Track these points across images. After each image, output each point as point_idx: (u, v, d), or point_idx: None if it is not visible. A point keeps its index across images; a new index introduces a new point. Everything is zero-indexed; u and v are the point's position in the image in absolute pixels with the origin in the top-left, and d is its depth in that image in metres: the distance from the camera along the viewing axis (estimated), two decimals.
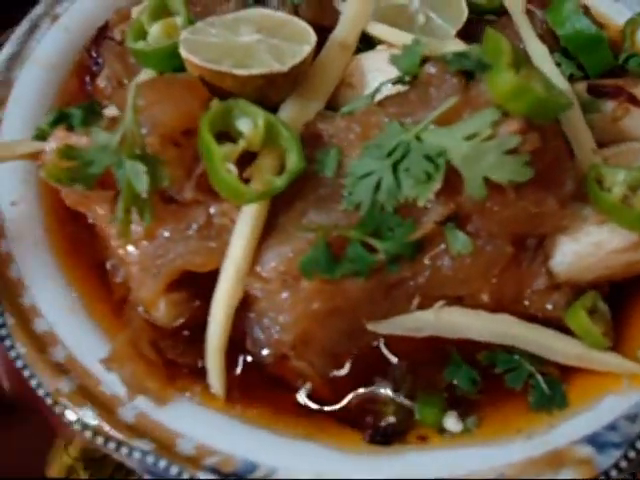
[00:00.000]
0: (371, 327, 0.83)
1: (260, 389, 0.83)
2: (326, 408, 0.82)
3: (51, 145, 0.83)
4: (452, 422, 0.81)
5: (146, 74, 1.09)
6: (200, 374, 0.83)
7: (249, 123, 0.83)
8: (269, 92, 0.93)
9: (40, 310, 0.87)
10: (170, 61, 1.04)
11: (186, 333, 0.86)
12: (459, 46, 0.85)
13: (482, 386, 0.84)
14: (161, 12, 1.12)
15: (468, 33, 1.08)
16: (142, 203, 0.78)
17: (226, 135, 0.84)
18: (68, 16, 1.24)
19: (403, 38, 1.01)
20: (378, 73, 1.02)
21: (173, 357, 0.82)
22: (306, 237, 0.80)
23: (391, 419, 0.79)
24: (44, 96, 1.15)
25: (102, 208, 0.85)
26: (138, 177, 0.75)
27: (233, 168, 0.77)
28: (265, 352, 0.81)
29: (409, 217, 0.80)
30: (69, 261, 0.92)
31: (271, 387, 0.83)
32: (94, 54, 1.21)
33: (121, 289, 0.92)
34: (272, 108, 0.93)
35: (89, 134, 0.82)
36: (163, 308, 0.85)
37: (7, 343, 0.83)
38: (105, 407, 0.78)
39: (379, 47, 1.05)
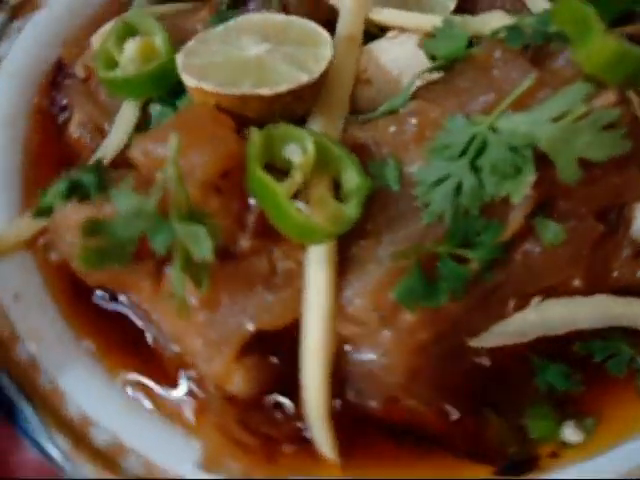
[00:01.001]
0: (474, 343, 0.76)
1: (369, 440, 0.74)
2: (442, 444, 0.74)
3: (67, 222, 0.68)
4: (571, 432, 0.74)
5: (129, 107, 0.95)
6: (301, 441, 0.73)
7: (298, 149, 0.72)
8: (295, 107, 0.82)
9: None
10: (157, 86, 0.91)
11: (271, 398, 0.76)
12: (503, 20, 0.78)
13: (582, 380, 0.78)
14: (128, 36, 0.98)
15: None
16: (199, 269, 0.66)
17: (268, 167, 0.73)
18: (10, 59, 1.07)
19: (419, 20, 0.94)
20: (397, 63, 0.93)
21: (268, 432, 0.72)
22: (387, 265, 0.71)
23: (513, 446, 0.72)
24: (7, 161, 0.99)
25: (142, 284, 0.71)
26: (198, 241, 0.62)
27: (302, 205, 0.67)
28: (372, 402, 0.72)
29: (494, 217, 0.73)
30: (107, 359, 0.78)
31: (378, 436, 0.74)
32: (56, 99, 1.04)
33: (173, 364, 0.80)
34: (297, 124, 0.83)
35: (109, 201, 0.69)
36: (240, 379, 0.74)
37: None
38: None
39: (389, 34, 0.96)
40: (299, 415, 0.74)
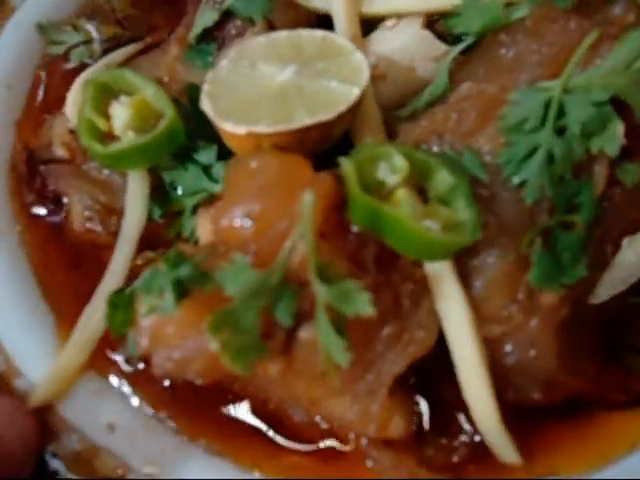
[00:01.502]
0: (595, 300, 0.77)
1: (536, 432, 0.73)
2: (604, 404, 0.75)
3: (174, 330, 0.58)
4: None
5: (137, 178, 0.84)
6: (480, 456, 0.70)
7: (388, 167, 0.67)
8: (349, 124, 0.77)
9: None
10: (167, 148, 0.81)
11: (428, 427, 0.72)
12: None
13: None
14: (105, 99, 0.86)
15: None
16: (343, 331, 0.60)
17: None
18: None
19: (416, 3, 0.90)
20: (405, 51, 0.90)
21: (447, 460, 0.68)
22: (509, 256, 0.69)
23: None
24: (18, 278, 0.83)
25: (271, 366, 0.63)
26: (352, 298, 0.56)
27: (431, 223, 0.62)
28: (534, 393, 0.70)
29: (582, 176, 0.73)
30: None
31: (542, 425, 0.73)
32: (44, 192, 0.88)
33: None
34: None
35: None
36: (399, 420, 0.68)
37: None
38: None
39: (387, 23, 0.92)
40: (460, 431, 0.72)
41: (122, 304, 0.66)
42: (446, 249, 0.63)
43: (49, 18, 1.05)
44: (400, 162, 0.66)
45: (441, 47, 0.88)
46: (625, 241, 0.81)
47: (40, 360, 0.74)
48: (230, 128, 0.70)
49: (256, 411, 0.73)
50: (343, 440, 0.72)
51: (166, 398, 0.72)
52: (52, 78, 1.02)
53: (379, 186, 0.66)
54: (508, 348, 0.69)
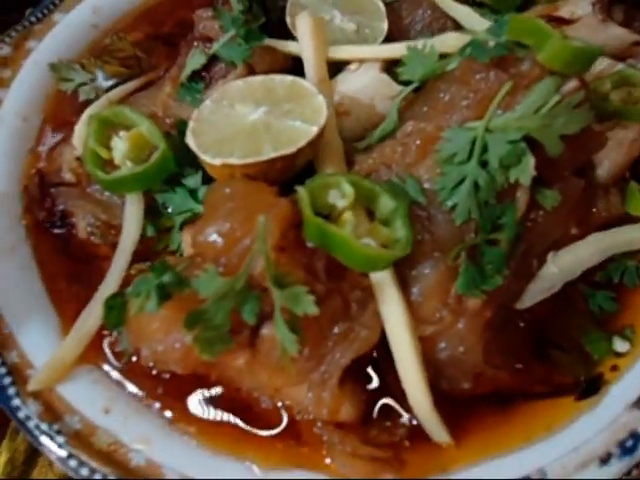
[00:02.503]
0: (520, 306, 0.90)
1: (466, 417, 0.85)
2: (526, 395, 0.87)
3: (157, 326, 0.72)
4: (619, 344, 0.90)
5: (134, 200, 0.98)
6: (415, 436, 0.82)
7: (337, 193, 0.80)
8: (309, 156, 0.91)
9: None
10: (159, 175, 0.96)
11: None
12: (458, 39, 0.91)
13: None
14: (107, 131, 1.00)
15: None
16: (295, 324, 0.73)
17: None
18: None
19: (376, 51, 1.05)
20: (367, 91, 1.05)
21: (389, 439, 0.80)
22: (441, 268, 0.82)
23: (582, 373, 0.87)
24: (29, 283, 0.97)
25: (238, 357, 0.76)
26: (299, 299, 0.69)
27: (369, 240, 0.76)
28: (464, 383, 0.83)
29: (506, 200, 0.86)
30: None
31: (472, 411, 0.85)
32: (53, 211, 1.02)
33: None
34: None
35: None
36: (348, 406, 0.81)
37: None
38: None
39: (351, 67, 1.07)
40: (401, 416, 0.84)
41: (116, 306, 0.79)
42: (383, 262, 0.76)
43: (61, 57, 1.22)
44: (347, 189, 0.79)
45: (396, 88, 1.03)
46: (550, 255, 0.94)
47: (47, 354, 0.87)
48: (208, 160, 0.84)
49: (229, 399, 0.86)
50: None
51: (153, 386, 0.86)
52: (61, 112, 1.18)
53: (331, 209, 0.80)
54: (441, 345, 0.82)
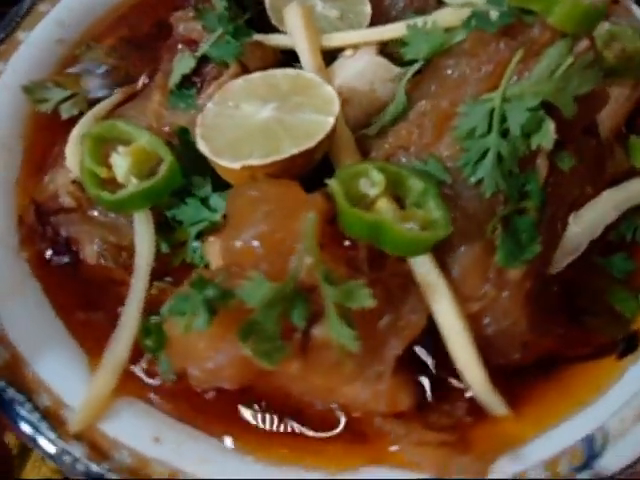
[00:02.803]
0: (553, 271, 0.90)
1: (520, 388, 0.85)
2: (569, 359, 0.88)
3: (205, 343, 0.68)
4: None
5: (142, 217, 0.92)
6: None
7: (367, 182, 0.78)
8: (318, 153, 0.88)
9: None
10: (169, 188, 0.91)
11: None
12: (456, 14, 0.90)
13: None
14: (101, 149, 0.94)
15: None
16: (351, 324, 0.71)
17: None
18: None
19: (370, 34, 1.03)
20: (365, 76, 1.02)
21: (452, 421, 0.79)
22: (478, 244, 0.81)
23: (619, 332, 0.88)
24: (44, 318, 0.90)
25: (291, 364, 0.73)
26: (356, 295, 0.67)
27: (410, 224, 0.74)
28: (514, 355, 0.83)
29: (528, 168, 0.86)
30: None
31: (523, 382, 0.85)
32: (57, 240, 0.96)
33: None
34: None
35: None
36: (404, 395, 0.79)
37: None
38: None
39: (346, 53, 1.04)
40: (456, 396, 0.84)
41: (155, 329, 0.75)
42: (425, 244, 0.75)
43: (32, 77, 1.14)
44: (377, 176, 0.77)
45: (395, 69, 1.02)
46: (571, 217, 0.95)
47: (79, 390, 0.82)
48: (226, 164, 0.80)
49: (280, 407, 0.83)
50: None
51: (200, 406, 0.82)
52: (43, 135, 1.11)
53: (362, 198, 0.78)
54: (487, 320, 0.82)
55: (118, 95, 1.14)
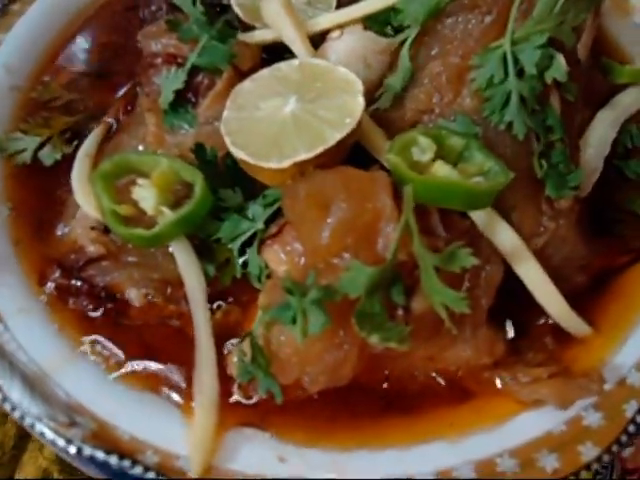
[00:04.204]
0: (584, 193, 0.94)
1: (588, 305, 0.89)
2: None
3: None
4: None
5: (181, 246, 0.87)
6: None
7: (418, 150, 0.78)
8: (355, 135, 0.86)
9: None
10: (207, 206, 0.87)
11: None
12: None
13: None
14: (112, 187, 0.88)
15: None
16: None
17: None
18: None
19: (355, 11, 1.02)
20: (357, 53, 1.01)
21: (548, 353, 0.83)
22: (522, 184, 0.84)
23: None
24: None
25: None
26: (456, 258, 0.69)
27: (478, 178, 0.76)
28: (579, 278, 0.87)
29: (544, 103, 0.90)
30: None
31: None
32: (92, 295, 0.87)
33: None
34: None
35: None
36: (500, 342, 0.82)
37: None
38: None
39: (333, 35, 1.03)
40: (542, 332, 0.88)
41: (256, 351, 0.71)
42: (492, 194, 0.77)
43: None
44: (426, 141, 0.78)
45: (383, 41, 1.02)
46: (581, 142, 1.02)
47: (179, 436, 0.77)
48: (274, 165, 0.77)
49: (383, 393, 0.82)
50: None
51: (312, 413, 0.80)
52: (31, 188, 1.02)
53: (417, 166, 0.79)
54: (550, 252, 0.86)
55: (100, 128, 1.07)
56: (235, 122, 0.85)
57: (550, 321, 0.87)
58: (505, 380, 0.80)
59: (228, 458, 0.75)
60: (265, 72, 0.90)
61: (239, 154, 0.80)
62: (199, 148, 0.91)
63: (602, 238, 0.98)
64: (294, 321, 0.66)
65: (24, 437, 0.95)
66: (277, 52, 1.04)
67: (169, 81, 0.97)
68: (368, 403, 0.82)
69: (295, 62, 0.91)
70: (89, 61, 1.20)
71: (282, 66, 0.90)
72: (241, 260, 0.91)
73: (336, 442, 0.78)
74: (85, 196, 0.91)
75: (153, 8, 1.18)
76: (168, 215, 0.85)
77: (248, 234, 0.90)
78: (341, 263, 0.70)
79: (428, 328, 0.76)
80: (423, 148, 0.79)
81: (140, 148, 0.97)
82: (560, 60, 0.86)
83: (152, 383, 0.83)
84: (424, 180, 0.73)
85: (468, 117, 0.87)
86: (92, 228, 0.91)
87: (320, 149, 0.77)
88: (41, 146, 1.05)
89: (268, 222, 0.90)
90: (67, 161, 1.02)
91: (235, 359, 0.79)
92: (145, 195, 0.86)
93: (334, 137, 0.78)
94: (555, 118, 0.90)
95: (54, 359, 0.81)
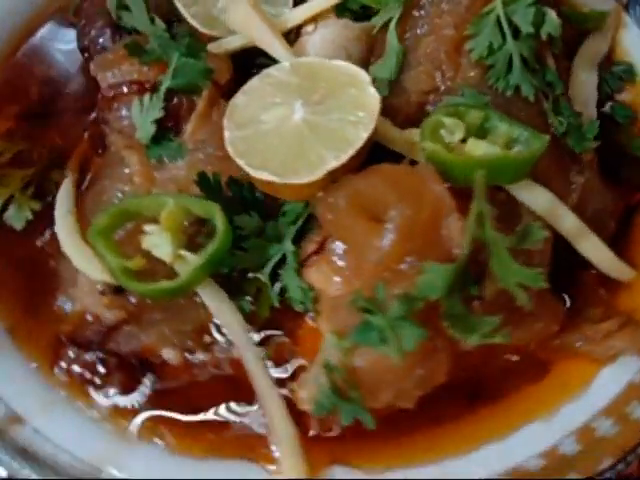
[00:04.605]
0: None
1: None
2: None
3: None
4: None
5: (210, 292, 0.79)
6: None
7: (445, 131, 0.75)
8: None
9: None
10: (230, 240, 0.78)
11: None
12: None
13: None
14: (111, 240, 0.78)
15: None
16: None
17: None
18: None
19: (321, 4, 0.95)
20: (336, 43, 0.95)
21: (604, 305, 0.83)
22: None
23: None
24: None
25: None
26: (530, 235, 0.66)
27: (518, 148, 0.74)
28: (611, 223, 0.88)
29: (542, 60, 0.89)
30: None
31: None
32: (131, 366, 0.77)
33: None
34: None
35: None
36: (561, 306, 0.80)
37: None
38: None
39: (308, 28, 0.96)
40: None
41: (345, 377, 0.65)
42: (532, 160, 0.74)
43: None
44: (453, 121, 0.75)
45: (357, 27, 0.98)
46: (570, 93, 1.02)
47: None
48: (308, 179, 0.70)
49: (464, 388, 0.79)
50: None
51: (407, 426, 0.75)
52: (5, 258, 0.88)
53: (450, 148, 0.75)
54: (584, 205, 0.85)
55: (70, 178, 0.94)
56: (241, 142, 0.76)
57: (593, 273, 0.87)
58: (578, 342, 0.79)
59: None
60: (255, 82, 0.82)
61: (262, 175, 0.72)
62: (202, 177, 0.82)
63: (614, 182, 1.01)
64: (382, 340, 0.61)
65: None
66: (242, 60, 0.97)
67: (145, 112, 0.87)
68: (452, 403, 0.78)
69: (286, 65, 0.83)
70: (27, 103, 1.06)
71: (272, 72, 0.83)
72: (275, 287, 0.85)
73: (431, 452, 0.74)
74: (84, 259, 0.79)
75: (93, 33, 1.06)
76: (192, 259, 0.75)
77: (277, 258, 0.84)
78: (407, 268, 0.65)
79: (501, 311, 0.73)
80: (451, 129, 0.75)
81: (126, 190, 0.86)
82: (552, 15, 0.85)
83: (221, 446, 0.74)
84: (466, 161, 0.70)
85: (475, 88, 0.85)
86: (102, 293, 0.79)
87: (350, 152, 0.71)
88: (3, 208, 0.92)
89: (295, 241, 0.85)
90: (40, 220, 0.90)
91: (305, 394, 0.73)
92: (158, 242, 0.76)
93: (361, 137, 0.72)
94: (553, 74, 0.89)
95: (103, 452, 0.71)
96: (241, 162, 0.75)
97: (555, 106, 0.87)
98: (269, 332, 0.82)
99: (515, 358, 0.81)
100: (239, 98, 0.81)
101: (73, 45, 1.10)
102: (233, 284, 0.83)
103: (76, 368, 0.77)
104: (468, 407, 0.77)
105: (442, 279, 0.63)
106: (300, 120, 0.77)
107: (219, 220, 0.76)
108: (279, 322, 0.83)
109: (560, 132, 0.83)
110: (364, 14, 0.99)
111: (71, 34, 1.12)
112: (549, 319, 0.79)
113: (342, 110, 0.76)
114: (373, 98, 0.76)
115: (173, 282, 0.75)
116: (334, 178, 0.73)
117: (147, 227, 0.78)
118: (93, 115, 0.98)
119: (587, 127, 0.86)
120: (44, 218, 0.89)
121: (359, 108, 0.76)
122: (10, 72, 1.06)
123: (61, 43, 1.13)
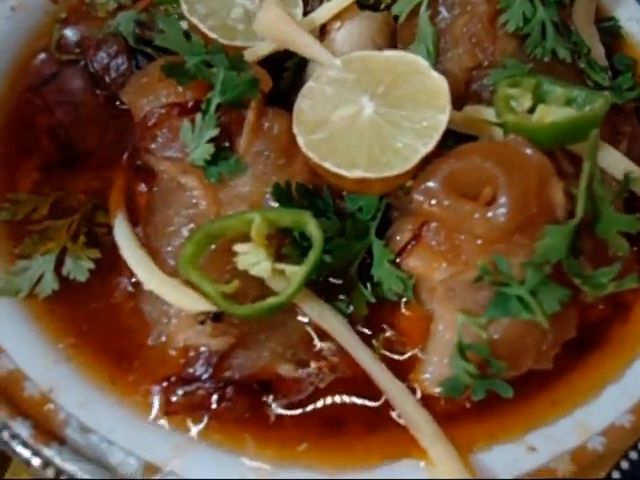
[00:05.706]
0: None
1: None
2: None
3: None
4: None
5: (307, 301, 0.77)
6: None
7: (515, 101, 0.77)
8: None
9: None
10: (323, 244, 0.76)
11: None
12: None
13: None
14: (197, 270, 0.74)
15: None
16: None
17: None
18: None
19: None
20: (364, 37, 0.96)
21: None
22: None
23: None
24: None
25: None
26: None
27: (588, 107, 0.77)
28: None
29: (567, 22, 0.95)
30: None
31: None
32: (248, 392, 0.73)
33: None
34: None
35: None
36: None
37: None
38: None
39: (334, 26, 0.96)
40: None
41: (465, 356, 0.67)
42: (599, 118, 0.77)
43: None
44: (519, 92, 0.77)
45: (379, 17, 0.99)
46: None
47: None
48: (403, 169, 0.71)
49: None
50: None
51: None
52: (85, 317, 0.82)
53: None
54: (633, 152, 0.89)
55: (121, 216, 0.88)
56: (320, 145, 0.75)
57: None
58: None
59: None
60: (312, 84, 0.82)
61: (356, 174, 0.72)
62: (277, 189, 0.80)
63: None
64: (525, 308, 0.62)
65: None
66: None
67: (198, 132, 0.84)
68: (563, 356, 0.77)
69: (336, 63, 0.83)
70: (46, 153, 0.99)
71: (324, 72, 0.82)
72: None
73: (560, 406, 0.76)
74: (177, 293, 0.75)
75: (106, 61, 1.01)
76: (295, 271, 0.74)
77: (362, 254, 0.84)
78: (521, 237, 0.67)
79: (600, 261, 0.76)
80: (518, 99, 0.78)
81: (193, 215, 0.82)
82: None
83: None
84: (553, 126, 0.73)
85: (515, 58, 0.88)
86: (202, 322, 0.76)
87: (436, 136, 0.72)
88: (59, 263, 0.86)
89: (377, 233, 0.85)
90: (101, 266, 0.85)
91: (431, 378, 0.74)
92: (254, 260, 0.74)
93: (442, 120, 0.73)
94: (577, 35, 0.95)
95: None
96: (327, 165, 0.74)
97: (589, 64, 0.93)
98: (372, 328, 0.82)
99: (601, 306, 0.86)
100: (304, 103, 0.80)
101: (70, 81, 1.05)
102: (324, 289, 0.83)
103: (191, 408, 0.74)
104: (577, 357, 0.80)
105: (562, 241, 0.66)
106: (373, 114, 0.77)
107: (313, 227, 0.75)
108: (378, 317, 0.83)
109: (604, 86, 0.89)
110: (373, 5, 1.02)
111: (65, 71, 1.08)
112: (630, 259, 0.83)
113: (414, 98, 0.77)
114: (440, 81, 0.78)
115: (279, 297, 0.74)
116: (422, 165, 0.75)
117: (238, 247, 0.76)
118: (130, 147, 0.94)
119: (622, 79, 0.92)
120: (104, 264, 0.85)
121: (430, 93, 0.77)
122: (14, 126, 0.99)
123: (56, 83, 1.08)
